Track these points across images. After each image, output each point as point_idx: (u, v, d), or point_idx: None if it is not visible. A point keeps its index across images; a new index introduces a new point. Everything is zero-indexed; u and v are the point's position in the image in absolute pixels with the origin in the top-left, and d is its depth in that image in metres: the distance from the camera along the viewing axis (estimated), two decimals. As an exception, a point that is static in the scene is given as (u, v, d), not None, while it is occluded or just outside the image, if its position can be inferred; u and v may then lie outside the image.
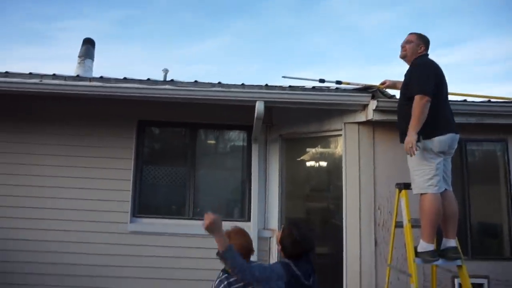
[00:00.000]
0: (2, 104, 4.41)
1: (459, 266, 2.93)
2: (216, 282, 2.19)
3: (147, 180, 4.65)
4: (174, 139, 5.03)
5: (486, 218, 3.87)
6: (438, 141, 2.84)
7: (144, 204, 4.61)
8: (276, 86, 3.70)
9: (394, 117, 3.34)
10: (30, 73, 4.15)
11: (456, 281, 3.56)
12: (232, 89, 3.57)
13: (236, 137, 4.92)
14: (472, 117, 3.58)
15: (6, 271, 4.17)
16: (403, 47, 3.17)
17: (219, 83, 3.79)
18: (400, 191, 3.15)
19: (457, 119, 3.09)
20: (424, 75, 2.91)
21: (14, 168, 4.40)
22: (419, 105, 2.82)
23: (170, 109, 4.47)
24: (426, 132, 2.88)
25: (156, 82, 3.98)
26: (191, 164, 4.63)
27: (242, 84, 3.76)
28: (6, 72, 4.06)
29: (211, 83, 3.73)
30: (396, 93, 3.51)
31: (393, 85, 3.46)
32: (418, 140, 2.85)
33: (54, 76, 4.11)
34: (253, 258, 4.20)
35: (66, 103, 4.38)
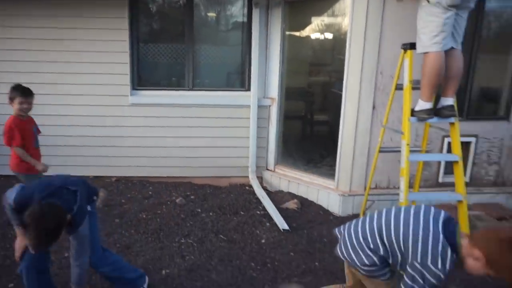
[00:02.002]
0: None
1: (452, 124, 3.00)
2: None
3: (146, 53, 4.54)
4: (171, 12, 4.74)
5: (488, 82, 3.84)
6: None
7: (144, 77, 4.59)
8: None
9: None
10: None
11: (446, 140, 3.71)
12: None
13: (236, 5, 4.60)
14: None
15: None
16: None
17: None
18: (405, 52, 3.05)
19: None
20: None
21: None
22: None
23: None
24: None
25: None
26: (189, 37, 4.44)
27: None
28: None
29: None
30: None
31: None
32: None
33: None
34: (253, 124, 4.45)
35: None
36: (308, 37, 4.44)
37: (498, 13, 3.71)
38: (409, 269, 1.64)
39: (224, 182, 4.56)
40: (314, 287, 2.56)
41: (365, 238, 1.81)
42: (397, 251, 1.72)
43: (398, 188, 3.36)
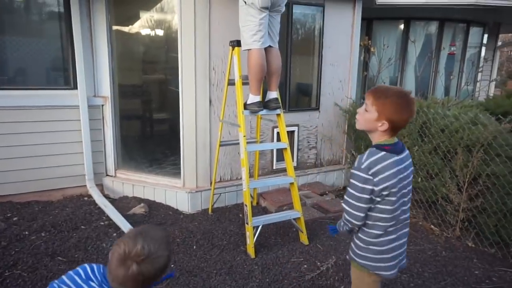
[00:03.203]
0: None
1: (278, 115, 3.40)
2: None
3: None
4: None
5: (301, 77, 4.49)
6: None
7: None
8: None
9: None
10: None
11: (275, 130, 4.20)
12: None
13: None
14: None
15: None
16: None
17: None
18: (233, 49, 3.27)
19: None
20: None
21: None
22: None
23: None
24: None
25: None
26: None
27: None
28: None
29: None
30: None
31: None
32: None
33: None
34: (85, 127, 4.02)
35: None
36: (138, 32, 4.25)
37: (302, 19, 4.35)
38: None
39: (56, 196, 3.99)
40: (171, 290, 2.55)
41: None
42: None
43: (241, 178, 3.65)
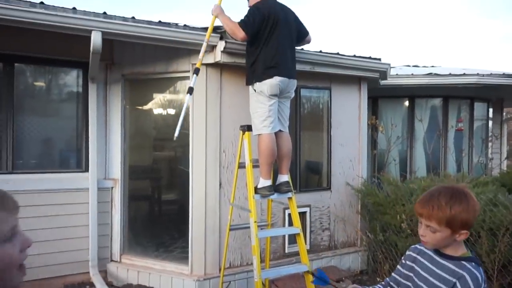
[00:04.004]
0: None
1: (290, 198, 3.32)
2: None
3: None
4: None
5: (311, 157, 4.49)
6: (269, 85, 3.05)
7: None
8: (116, 16, 3.25)
9: (241, 60, 3.43)
10: None
11: (286, 212, 4.07)
12: (59, 13, 2.96)
13: (70, 76, 4.23)
14: (307, 65, 3.95)
15: None
16: None
17: (42, 3, 3.09)
18: (243, 133, 3.31)
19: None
20: (251, 15, 3.10)
21: None
22: (234, 30, 3.08)
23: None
24: (258, 75, 3.07)
25: None
26: (7, 108, 3.78)
27: (74, 8, 3.16)
28: None
29: (30, 2, 2.99)
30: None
31: None
32: (252, 84, 3.11)
33: None
34: (93, 210, 3.94)
35: None
36: (152, 115, 4.39)
37: (310, 101, 4.47)
38: None
39: (57, 285, 3.78)
40: None
41: None
42: None
43: (251, 264, 3.44)
